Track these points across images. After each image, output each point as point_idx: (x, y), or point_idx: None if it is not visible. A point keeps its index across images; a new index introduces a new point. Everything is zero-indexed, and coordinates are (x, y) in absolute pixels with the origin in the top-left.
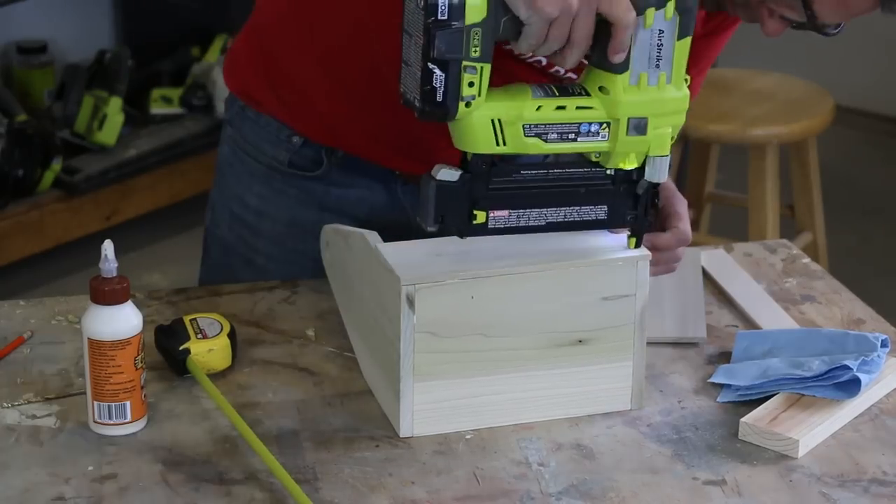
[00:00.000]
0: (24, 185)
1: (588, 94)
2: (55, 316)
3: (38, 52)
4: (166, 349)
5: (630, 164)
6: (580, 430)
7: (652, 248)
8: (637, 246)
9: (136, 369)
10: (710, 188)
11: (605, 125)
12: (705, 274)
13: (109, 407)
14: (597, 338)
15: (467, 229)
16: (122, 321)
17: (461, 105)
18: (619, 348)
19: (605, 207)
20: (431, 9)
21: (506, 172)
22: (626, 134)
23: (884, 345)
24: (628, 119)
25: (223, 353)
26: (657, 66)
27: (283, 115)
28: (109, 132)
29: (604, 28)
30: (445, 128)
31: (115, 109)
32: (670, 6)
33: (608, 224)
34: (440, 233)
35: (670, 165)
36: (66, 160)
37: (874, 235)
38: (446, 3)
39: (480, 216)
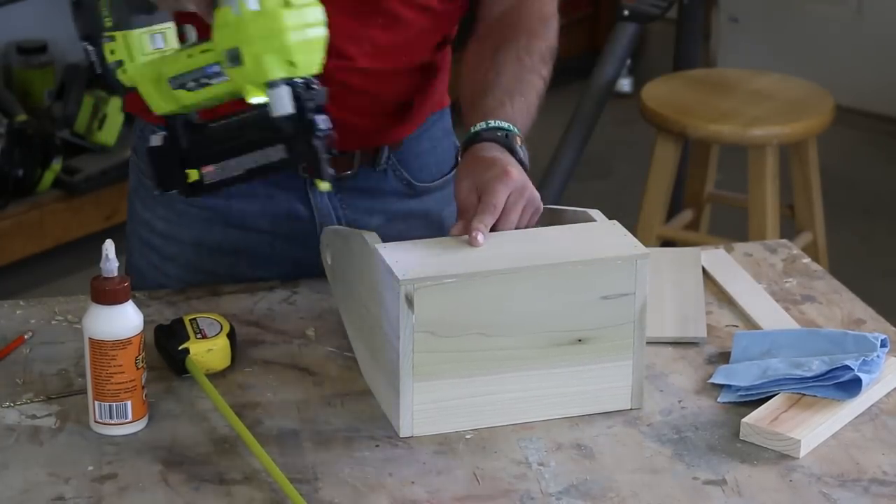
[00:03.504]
0: (24, 185)
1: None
2: (55, 316)
3: (38, 52)
4: (166, 349)
5: (256, 95)
6: (580, 430)
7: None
8: (320, 178)
9: (137, 369)
10: (710, 188)
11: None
12: (705, 274)
13: (110, 407)
14: (596, 337)
15: (186, 189)
16: (122, 321)
17: (118, 72)
18: (619, 347)
19: (282, 147)
20: None
21: (197, 129)
22: (229, 67)
23: (883, 345)
24: (225, 52)
25: (222, 353)
26: None
27: None
28: (109, 132)
29: None
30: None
31: (115, 109)
32: None
33: (291, 163)
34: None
35: (329, 116)
36: (66, 160)
37: (874, 235)
38: None
39: (193, 174)
